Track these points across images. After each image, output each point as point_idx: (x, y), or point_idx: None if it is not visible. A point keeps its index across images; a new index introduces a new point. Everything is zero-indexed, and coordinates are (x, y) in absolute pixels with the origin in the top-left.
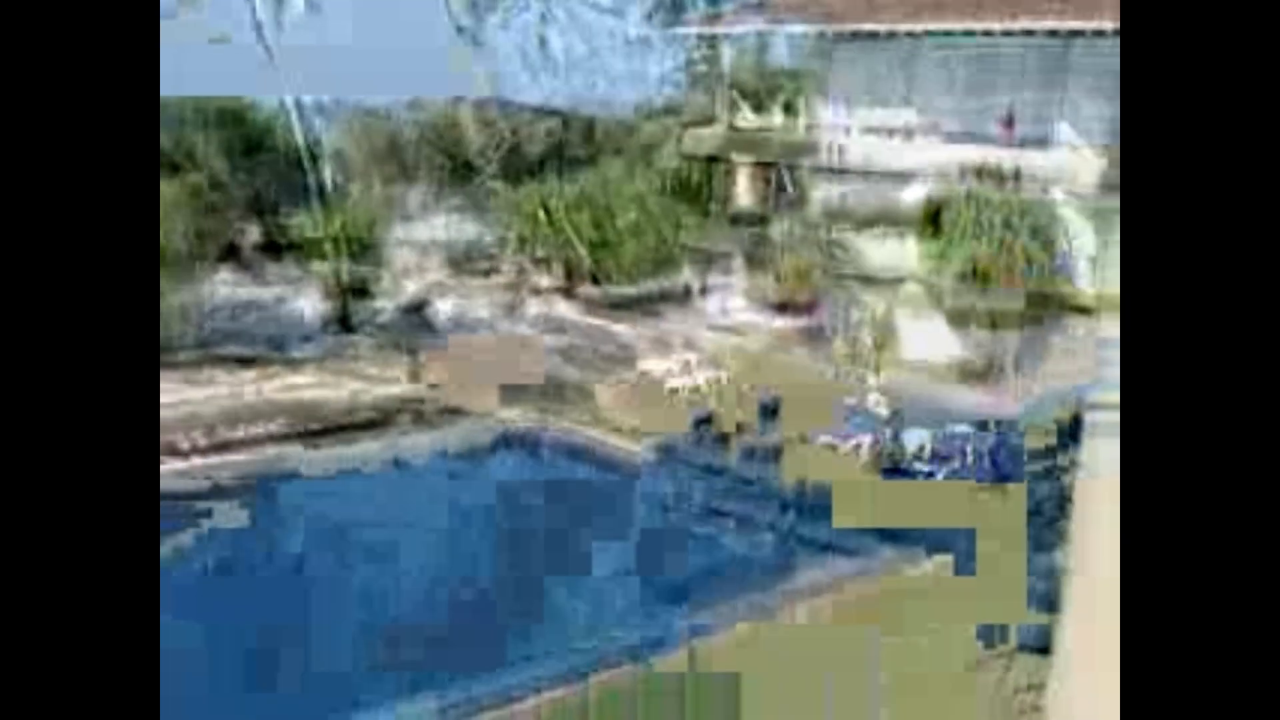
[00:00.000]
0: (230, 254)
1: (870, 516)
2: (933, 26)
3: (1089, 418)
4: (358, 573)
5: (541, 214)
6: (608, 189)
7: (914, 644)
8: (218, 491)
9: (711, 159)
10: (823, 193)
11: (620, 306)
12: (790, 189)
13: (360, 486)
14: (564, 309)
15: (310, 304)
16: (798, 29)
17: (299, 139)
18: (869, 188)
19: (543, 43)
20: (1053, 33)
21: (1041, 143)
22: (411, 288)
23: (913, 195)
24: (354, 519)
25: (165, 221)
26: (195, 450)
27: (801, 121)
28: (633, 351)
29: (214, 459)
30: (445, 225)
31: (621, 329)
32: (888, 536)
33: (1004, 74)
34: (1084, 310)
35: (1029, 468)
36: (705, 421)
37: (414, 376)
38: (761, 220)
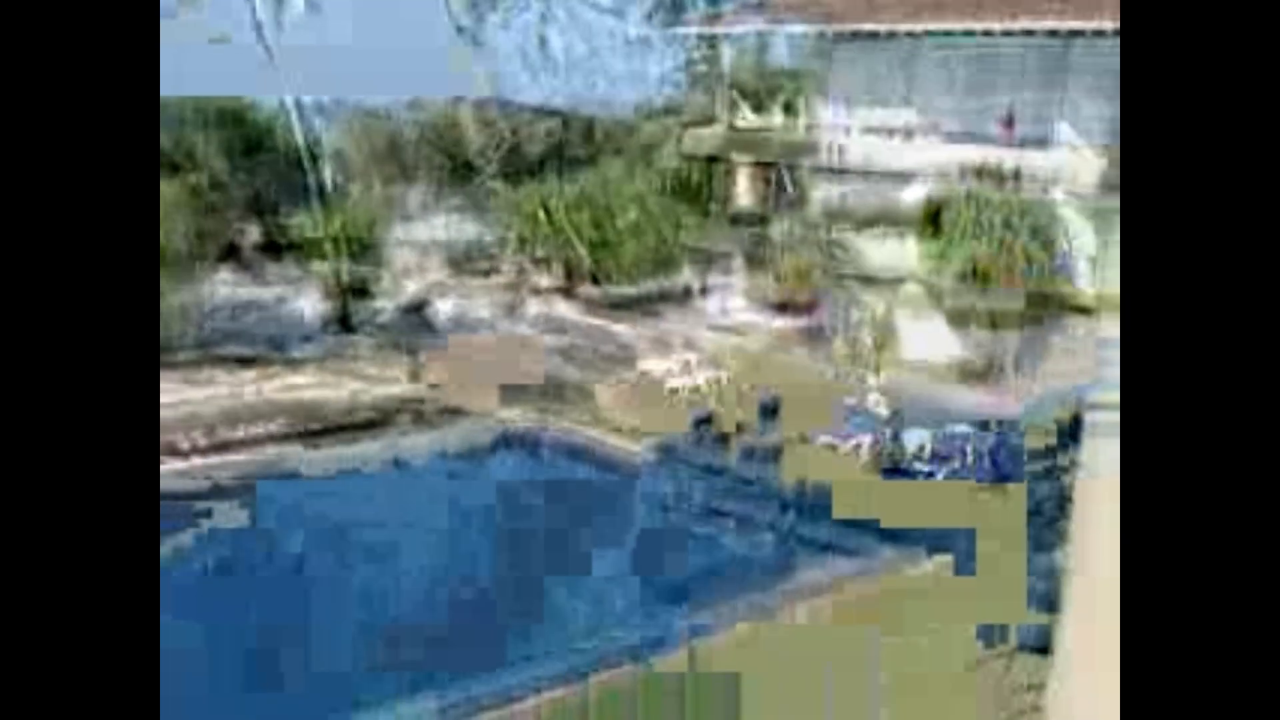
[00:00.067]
0: (230, 254)
1: (870, 516)
2: (933, 26)
3: (1089, 418)
4: (357, 572)
5: (541, 214)
6: (608, 189)
7: (914, 644)
8: (217, 491)
9: (711, 159)
10: (823, 193)
11: (620, 306)
12: (790, 189)
13: (360, 486)
14: (564, 309)
15: (310, 304)
16: (798, 29)
17: (299, 139)
18: (869, 188)
19: (543, 42)
20: (1053, 33)
21: (1041, 143)
22: (411, 288)
23: (913, 195)
24: (354, 519)
25: (165, 221)
26: (195, 450)
27: (801, 121)
28: (633, 351)
29: (214, 459)
30: (445, 225)
31: (621, 329)
32: (888, 536)
33: (1004, 74)
34: (1084, 310)
35: (1029, 468)
36: (705, 421)
37: (414, 376)
38: (761, 220)
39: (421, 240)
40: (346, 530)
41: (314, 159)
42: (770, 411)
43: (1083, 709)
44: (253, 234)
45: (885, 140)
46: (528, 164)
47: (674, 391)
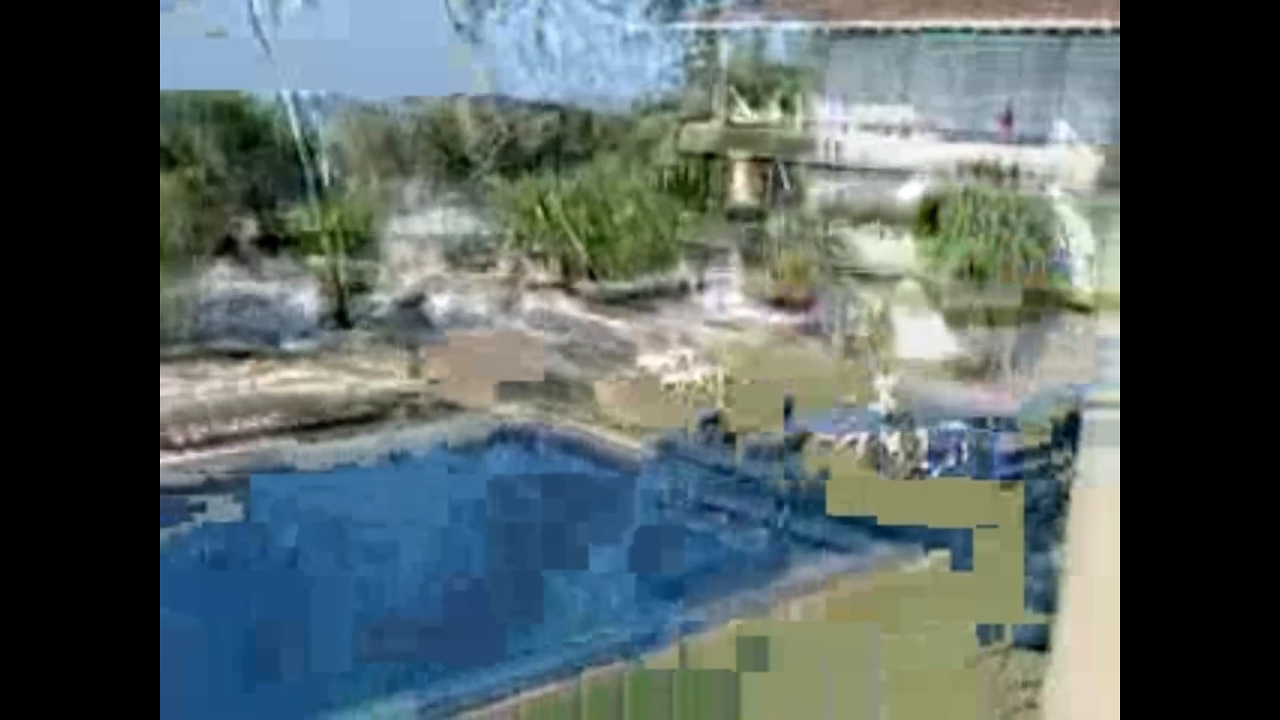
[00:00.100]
0: (227, 248)
1: (865, 513)
2: (930, 24)
3: (1087, 417)
4: (352, 567)
5: (538, 209)
6: (605, 184)
7: (910, 641)
8: (212, 486)
9: (709, 155)
10: (820, 189)
11: (617, 302)
12: (787, 185)
13: (355, 481)
14: (561, 304)
15: (307, 298)
16: (795, 25)
17: (296, 133)
18: (866, 184)
19: (540, 38)
20: (1051, 31)
21: (1039, 140)
22: (408, 282)
23: (910, 192)
24: (349, 513)
25: (162, 215)
26: (189, 444)
27: (799, 118)
28: (630, 348)
29: (208, 453)
30: (442, 220)
31: (618, 324)
32: (883, 533)
33: (1001, 71)
34: (1081, 308)
35: (1026, 465)
36: (712, 421)
37: (414, 372)
38: (759, 216)
39: (418, 235)
40: (341, 525)
41: (311, 153)
42: (785, 411)
43: (1080, 706)
44: (249, 228)
45: (882, 137)
46: (525, 159)
47: (670, 387)
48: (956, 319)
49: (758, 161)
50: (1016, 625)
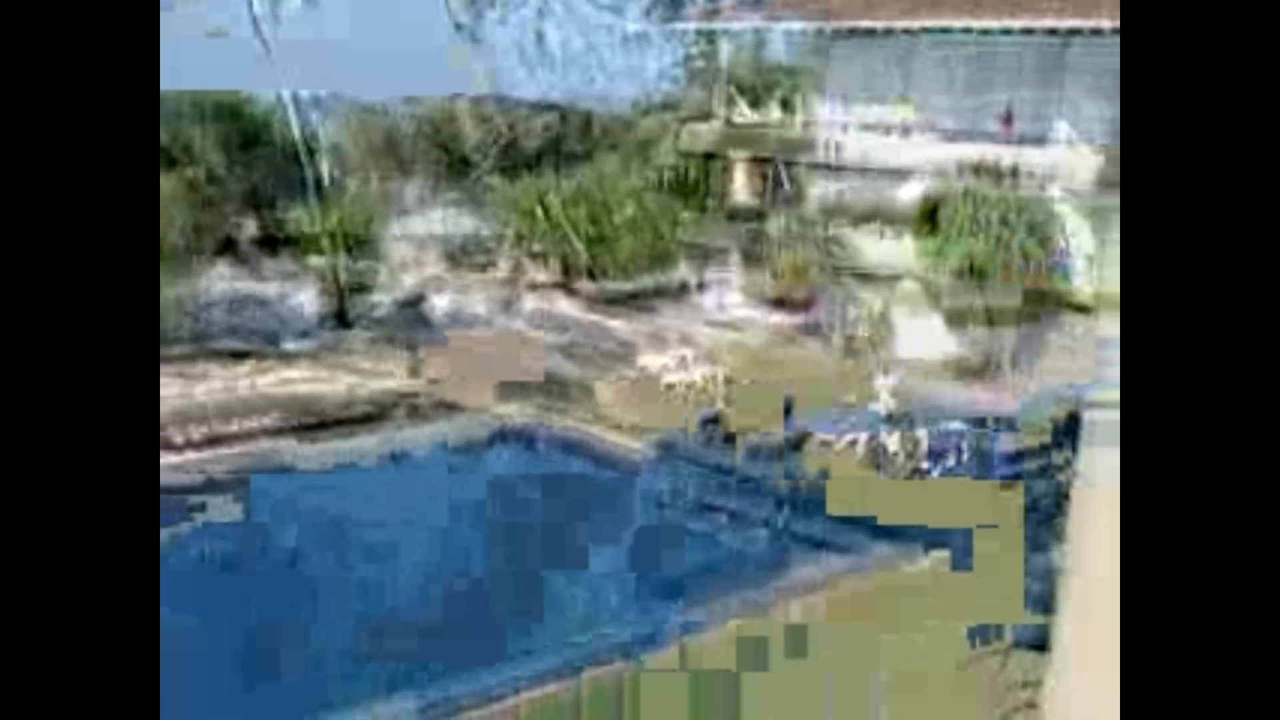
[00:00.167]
0: (227, 248)
1: (865, 513)
2: (930, 24)
3: (1087, 418)
4: (352, 566)
5: (538, 209)
6: (605, 184)
7: (910, 641)
8: (211, 485)
9: (709, 155)
10: (820, 189)
11: (617, 302)
12: (787, 185)
13: (355, 481)
14: (561, 304)
15: (307, 298)
16: (795, 25)
17: (296, 133)
18: (866, 184)
19: (540, 38)
20: (1051, 31)
21: (1039, 140)
22: (408, 282)
23: (910, 192)
24: (348, 513)
25: (162, 215)
26: (189, 444)
27: (799, 118)
28: (631, 348)
29: (208, 453)
30: (442, 220)
31: (618, 324)
32: (883, 533)
33: (1002, 71)
34: (1081, 308)
35: (1026, 465)
36: (712, 421)
37: (414, 372)
38: (758, 216)
39: (418, 235)
40: (341, 524)
41: (311, 153)
42: (785, 411)
43: (1080, 706)
44: (249, 228)
45: (882, 137)
46: (525, 159)
47: (670, 387)
48: (956, 319)
49: (758, 161)
50: (1016, 625)
